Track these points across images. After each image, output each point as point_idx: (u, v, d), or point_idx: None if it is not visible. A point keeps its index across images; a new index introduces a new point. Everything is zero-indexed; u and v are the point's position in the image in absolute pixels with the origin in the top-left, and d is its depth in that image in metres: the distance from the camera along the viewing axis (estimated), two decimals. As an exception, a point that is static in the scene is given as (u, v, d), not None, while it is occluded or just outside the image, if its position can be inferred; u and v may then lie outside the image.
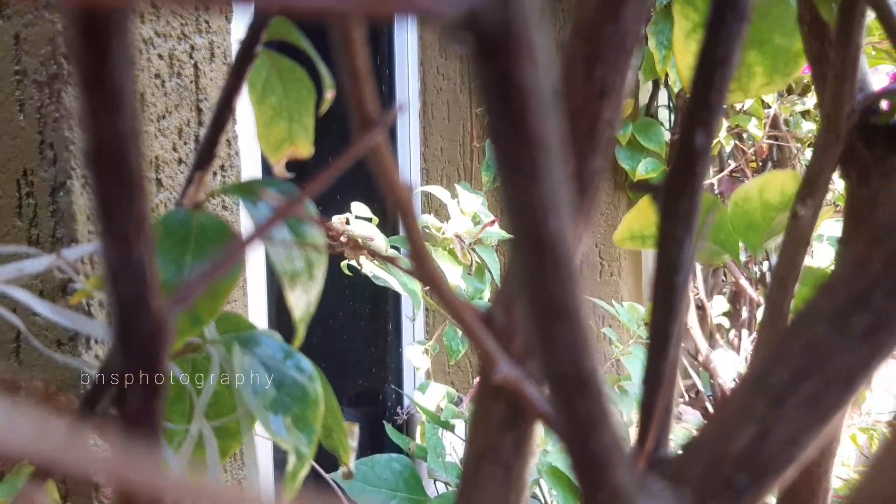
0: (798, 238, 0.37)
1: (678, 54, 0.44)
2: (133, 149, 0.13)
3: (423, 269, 0.21)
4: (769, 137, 1.89)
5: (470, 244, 1.10)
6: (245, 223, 0.81)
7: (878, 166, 0.36)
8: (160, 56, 0.60)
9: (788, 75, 0.41)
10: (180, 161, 0.63)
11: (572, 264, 0.14)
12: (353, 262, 1.03)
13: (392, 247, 1.12)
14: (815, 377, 0.17)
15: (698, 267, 1.87)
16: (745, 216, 0.41)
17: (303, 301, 0.30)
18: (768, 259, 1.57)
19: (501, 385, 0.22)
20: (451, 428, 1.12)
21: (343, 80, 0.17)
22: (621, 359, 1.20)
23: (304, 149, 0.33)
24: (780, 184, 0.40)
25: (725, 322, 1.88)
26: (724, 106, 0.23)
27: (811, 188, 0.36)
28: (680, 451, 0.20)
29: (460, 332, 1.27)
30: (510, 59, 0.11)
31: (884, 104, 0.36)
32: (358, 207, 1.07)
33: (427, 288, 1.28)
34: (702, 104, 0.23)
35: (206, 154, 0.29)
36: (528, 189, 0.13)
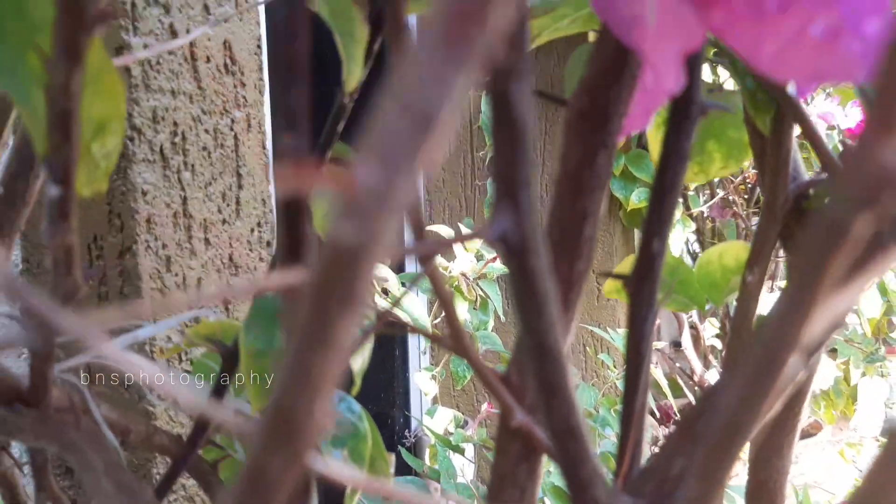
0: (748, 297, 0.46)
1: (651, 141, 0.53)
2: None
3: (459, 344, 0.30)
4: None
5: (474, 279, 1.18)
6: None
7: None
8: (206, 131, 0.69)
9: (741, 161, 0.51)
10: (224, 221, 0.72)
11: (564, 361, 0.22)
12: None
13: (401, 283, 1.21)
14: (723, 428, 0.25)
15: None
16: (708, 276, 0.50)
17: (360, 357, 0.39)
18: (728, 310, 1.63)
19: (517, 428, 0.31)
20: (461, 451, 1.20)
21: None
22: (617, 383, 1.28)
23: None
24: (735, 252, 0.49)
25: (718, 343, 1.96)
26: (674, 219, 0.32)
27: (757, 259, 0.45)
28: (639, 474, 0.28)
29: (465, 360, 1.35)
30: (524, 257, 0.20)
31: (811, 192, 0.45)
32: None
33: (436, 321, 1.36)
34: (656, 220, 0.32)
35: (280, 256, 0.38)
36: (535, 320, 0.21)
